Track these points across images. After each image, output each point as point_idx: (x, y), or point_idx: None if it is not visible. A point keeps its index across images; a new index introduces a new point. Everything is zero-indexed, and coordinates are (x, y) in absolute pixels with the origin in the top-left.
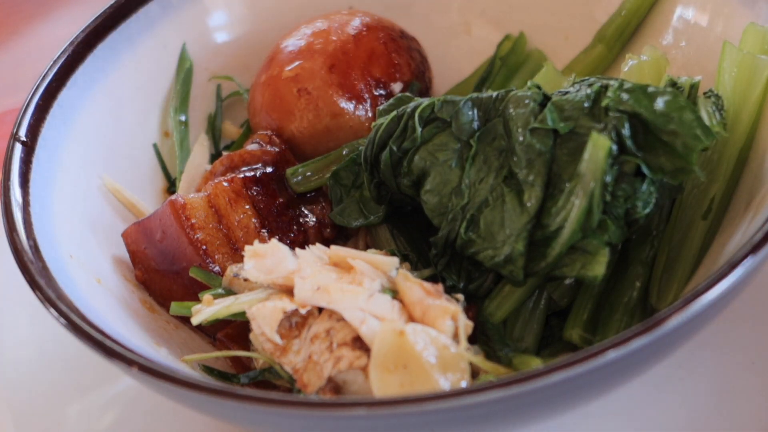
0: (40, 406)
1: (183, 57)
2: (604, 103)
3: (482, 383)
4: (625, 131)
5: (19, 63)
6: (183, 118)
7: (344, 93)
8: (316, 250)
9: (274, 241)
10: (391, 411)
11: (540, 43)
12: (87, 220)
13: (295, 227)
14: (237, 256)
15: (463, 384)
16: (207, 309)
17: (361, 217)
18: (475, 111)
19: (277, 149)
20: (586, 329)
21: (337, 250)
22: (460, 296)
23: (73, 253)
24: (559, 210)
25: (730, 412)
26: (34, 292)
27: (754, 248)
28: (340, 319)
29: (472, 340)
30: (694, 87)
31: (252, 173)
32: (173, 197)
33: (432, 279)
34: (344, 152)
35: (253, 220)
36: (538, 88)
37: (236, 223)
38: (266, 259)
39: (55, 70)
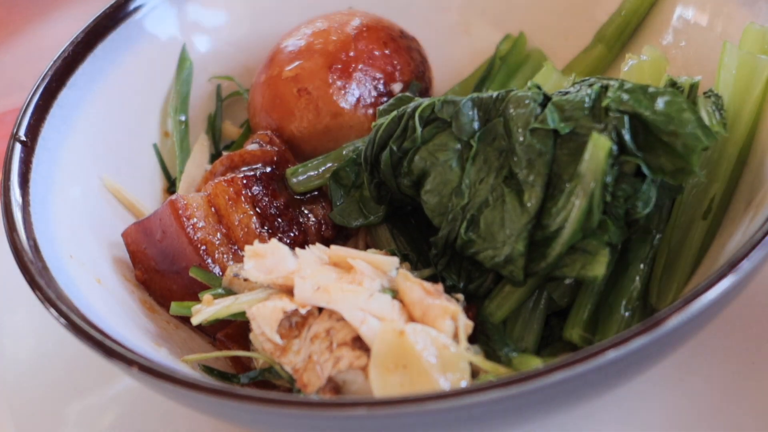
0: (40, 406)
1: (183, 57)
2: (605, 103)
3: (482, 383)
4: (626, 131)
5: (19, 63)
6: (183, 118)
7: (344, 93)
8: (316, 250)
9: (274, 241)
10: (391, 411)
11: (540, 43)
12: (87, 220)
13: (295, 227)
14: (237, 256)
15: (463, 384)
16: (207, 309)
17: (361, 217)
18: (476, 111)
19: (277, 149)
20: (586, 329)
21: (337, 250)
22: (460, 296)
23: (73, 253)
24: (560, 210)
25: (730, 412)
26: (34, 292)
27: (754, 248)
28: (340, 319)
29: (472, 339)
30: (694, 87)
31: (252, 173)
32: (173, 197)
33: (432, 279)
34: (344, 152)
35: (253, 219)
36: (539, 88)
37: (236, 223)
38: (266, 259)
39: (55, 70)
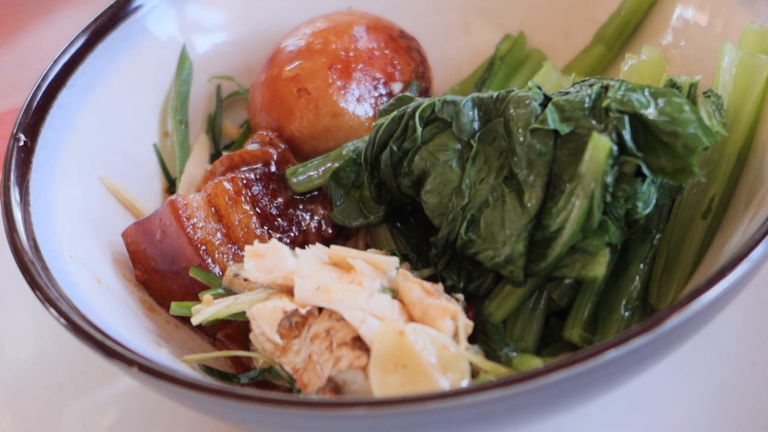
0: (40, 406)
1: (183, 57)
2: (605, 103)
3: (482, 383)
4: (626, 132)
5: (19, 63)
6: (183, 118)
7: (344, 93)
8: (316, 250)
9: (274, 240)
10: (391, 411)
11: (540, 42)
12: (87, 220)
13: (295, 227)
14: (237, 256)
15: (463, 384)
16: (207, 309)
17: (361, 216)
18: (476, 111)
19: (277, 149)
20: (586, 329)
21: (337, 250)
22: (460, 296)
23: (73, 253)
24: (560, 211)
25: (730, 412)
26: (34, 292)
27: (754, 247)
28: (340, 318)
29: (472, 339)
30: (693, 86)
31: (252, 173)
32: (173, 197)
33: (432, 279)
34: (344, 152)
35: (253, 219)
36: (539, 88)
37: (236, 223)
38: (266, 258)
39: (55, 70)
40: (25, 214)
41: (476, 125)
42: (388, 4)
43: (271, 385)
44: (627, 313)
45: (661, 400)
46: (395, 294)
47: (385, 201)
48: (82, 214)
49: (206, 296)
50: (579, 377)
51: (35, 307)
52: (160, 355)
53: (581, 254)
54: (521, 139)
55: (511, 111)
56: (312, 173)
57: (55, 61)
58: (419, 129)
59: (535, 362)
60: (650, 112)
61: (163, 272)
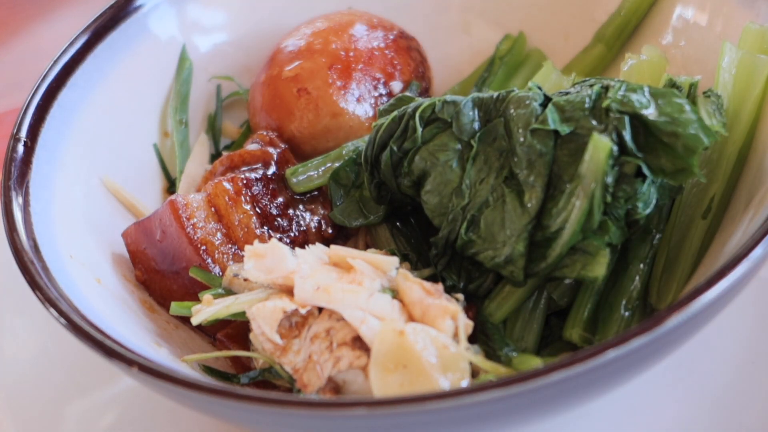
0: (40, 406)
1: (183, 57)
2: (605, 104)
3: (482, 383)
4: (626, 132)
5: (19, 63)
6: (183, 118)
7: (344, 93)
8: (316, 249)
9: (274, 240)
10: (391, 411)
11: (540, 42)
12: (87, 220)
13: (295, 227)
14: (237, 256)
15: (463, 384)
16: (207, 309)
17: (361, 216)
18: (476, 111)
19: (277, 149)
20: (586, 329)
21: (337, 250)
22: (460, 296)
23: (73, 253)
24: (560, 211)
25: (730, 412)
26: (34, 292)
27: (754, 247)
28: (340, 318)
29: (472, 339)
30: (693, 86)
31: (252, 173)
32: (173, 197)
33: (432, 279)
34: (344, 152)
35: (253, 219)
36: (539, 88)
37: (236, 223)
38: (266, 258)
39: (55, 70)
40: (25, 215)
41: (476, 125)
42: (388, 4)
43: (271, 385)
44: (627, 313)
45: (662, 400)
46: (395, 294)
47: (385, 201)
48: (82, 214)
49: (206, 296)
50: (579, 377)
51: (35, 307)
52: (160, 355)
53: (581, 254)
54: (521, 139)
55: (512, 111)
56: (312, 173)
57: (55, 61)
58: (419, 129)
59: (535, 362)
60: (650, 113)
61: (163, 272)
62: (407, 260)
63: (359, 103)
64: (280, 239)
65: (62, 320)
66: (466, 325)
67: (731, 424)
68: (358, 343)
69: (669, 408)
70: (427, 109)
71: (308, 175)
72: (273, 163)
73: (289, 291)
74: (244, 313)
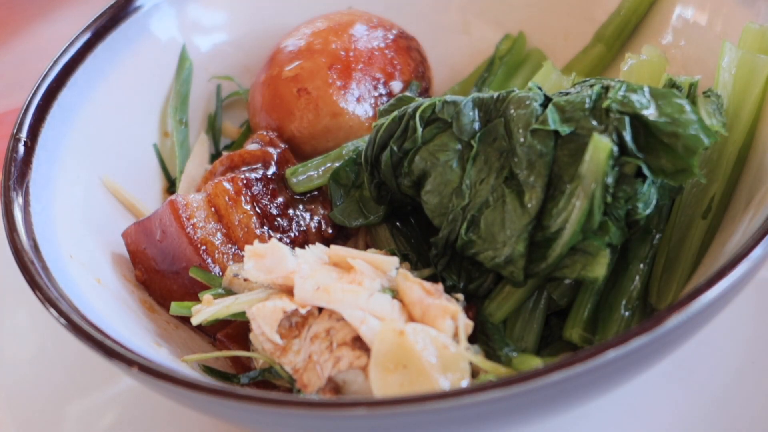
0: (40, 406)
1: (183, 57)
2: (605, 104)
3: (482, 383)
4: (626, 132)
5: (19, 63)
6: (183, 118)
7: (344, 93)
8: (316, 249)
9: (274, 240)
10: (391, 411)
11: (540, 42)
12: (87, 220)
13: (295, 227)
14: (237, 256)
15: (463, 384)
16: (207, 309)
17: (361, 216)
18: (476, 111)
19: (277, 149)
20: (586, 329)
21: (337, 250)
22: (460, 296)
23: (73, 253)
24: (560, 211)
25: (730, 412)
26: (34, 292)
27: (754, 247)
28: (340, 318)
29: (472, 339)
30: (693, 86)
31: (252, 173)
32: (173, 197)
33: (432, 279)
34: (344, 152)
35: (253, 219)
36: (539, 89)
37: (236, 223)
38: (266, 258)
39: (55, 70)
40: (25, 214)
41: (477, 125)
42: (388, 4)
43: (271, 385)
44: (627, 313)
45: (662, 400)
46: (395, 294)
47: (385, 201)
48: (82, 214)
49: (206, 296)
50: (579, 377)
51: (35, 307)
52: (160, 355)
53: (581, 255)
54: (522, 139)
55: (512, 111)
56: (312, 173)
57: (55, 61)
58: (420, 129)
59: (535, 362)
60: (651, 113)
61: (163, 272)
62: (407, 260)
63: (359, 103)
64: (280, 239)
65: (62, 320)
66: (466, 325)
67: (731, 424)
68: (358, 343)
69: (669, 408)
70: (427, 109)
71: (308, 175)
72: (273, 163)
73: (289, 291)
74: (244, 313)
